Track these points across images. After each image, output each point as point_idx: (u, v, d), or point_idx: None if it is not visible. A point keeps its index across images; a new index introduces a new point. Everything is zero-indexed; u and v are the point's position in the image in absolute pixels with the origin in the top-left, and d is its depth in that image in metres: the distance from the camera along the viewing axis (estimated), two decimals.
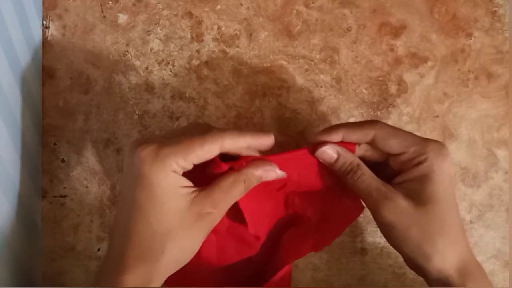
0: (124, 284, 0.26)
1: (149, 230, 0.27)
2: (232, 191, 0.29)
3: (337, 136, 0.31)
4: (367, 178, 0.31)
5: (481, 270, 0.31)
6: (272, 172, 0.31)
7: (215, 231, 0.30)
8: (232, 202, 0.29)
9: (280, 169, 0.31)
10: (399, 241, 0.30)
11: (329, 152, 0.31)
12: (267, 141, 0.30)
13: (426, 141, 0.30)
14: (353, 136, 0.31)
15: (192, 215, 0.27)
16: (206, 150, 0.27)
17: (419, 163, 0.30)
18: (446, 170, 0.30)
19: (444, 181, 0.30)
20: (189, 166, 0.27)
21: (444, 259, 0.30)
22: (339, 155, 0.31)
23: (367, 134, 0.31)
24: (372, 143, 0.31)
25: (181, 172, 0.27)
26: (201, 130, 0.29)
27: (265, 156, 0.31)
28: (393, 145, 0.31)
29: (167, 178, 0.26)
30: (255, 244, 0.34)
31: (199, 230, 0.28)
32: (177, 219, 0.27)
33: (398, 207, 0.30)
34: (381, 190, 0.30)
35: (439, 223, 0.30)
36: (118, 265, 0.26)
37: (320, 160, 0.32)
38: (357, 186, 0.31)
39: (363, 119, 0.38)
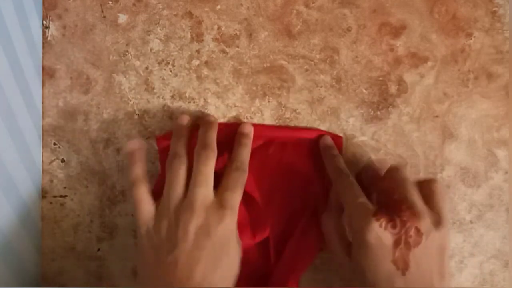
0: None
1: None
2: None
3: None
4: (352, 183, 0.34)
5: None
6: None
7: None
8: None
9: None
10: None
11: (331, 142, 0.37)
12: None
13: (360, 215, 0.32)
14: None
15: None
16: None
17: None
18: (366, 239, 0.31)
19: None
20: None
21: None
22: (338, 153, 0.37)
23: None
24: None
25: None
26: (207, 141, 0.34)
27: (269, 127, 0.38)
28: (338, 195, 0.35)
29: None
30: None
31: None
32: None
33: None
34: (364, 210, 0.32)
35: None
36: None
37: (322, 143, 0.37)
38: (343, 191, 0.34)
39: (363, 119, 0.38)
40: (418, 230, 0.30)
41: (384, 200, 0.32)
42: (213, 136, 0.34)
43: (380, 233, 0.30)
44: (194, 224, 0.30)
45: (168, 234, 0.31)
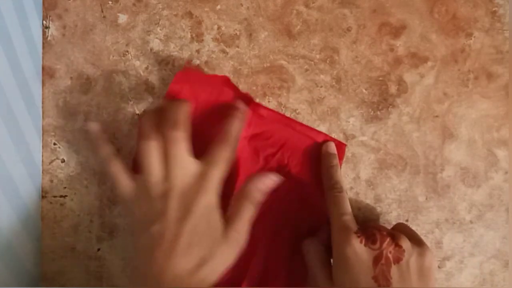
0: None
1: None
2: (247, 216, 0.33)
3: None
4: (345, 205, 0.34)
5: None
6: (269, 180, 0.34)
7: None
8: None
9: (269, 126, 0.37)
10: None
11: (333, 149, 0.37)
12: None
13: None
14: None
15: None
16: None
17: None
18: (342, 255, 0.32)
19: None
20: None
21: None
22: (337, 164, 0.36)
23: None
24: None
25: None
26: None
27: (275, 113, 0.37)
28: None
29: None
30: None
31: None
32: None
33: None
34: (346, 227, 0.33)
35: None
36: None
37: (324, 149, 0.37)
38: (332, 204, 0.34)
39: (363, 119, 0.38)
40: (399, 246, 0.31)
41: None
42: (183, 117, 0.33)
43: (360, 249, 0.30)
44: (174, 202, 0.31)
45: (149, 209, 0.31)
